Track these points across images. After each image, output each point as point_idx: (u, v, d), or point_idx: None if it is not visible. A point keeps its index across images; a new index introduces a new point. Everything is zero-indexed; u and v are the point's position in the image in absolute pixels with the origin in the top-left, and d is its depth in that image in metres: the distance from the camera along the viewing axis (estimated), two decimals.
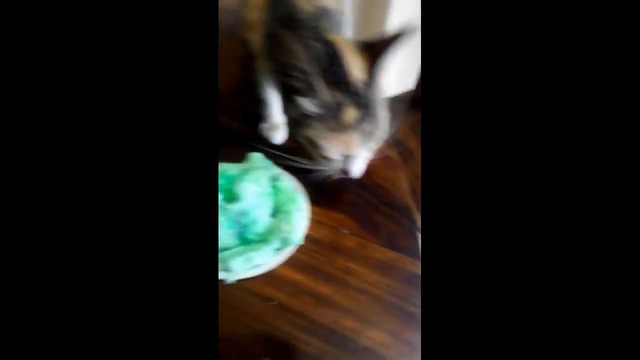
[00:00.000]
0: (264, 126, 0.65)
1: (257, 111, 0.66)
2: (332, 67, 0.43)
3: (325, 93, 0.43)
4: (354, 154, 0.48)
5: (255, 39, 0.54)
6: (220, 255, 0.49)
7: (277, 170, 0.57)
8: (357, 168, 0.50)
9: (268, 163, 0.57)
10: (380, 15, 0.65)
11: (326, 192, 0.58)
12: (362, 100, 0.44)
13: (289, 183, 0.57)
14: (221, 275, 0.48)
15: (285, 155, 0.55)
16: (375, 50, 0.45)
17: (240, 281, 0.48)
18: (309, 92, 0.43)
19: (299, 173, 0.58)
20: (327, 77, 0.43)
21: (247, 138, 0.65)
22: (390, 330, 0.46)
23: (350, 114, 0.44)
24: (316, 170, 0.53)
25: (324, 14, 0.50)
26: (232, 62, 0.79)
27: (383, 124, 0.47)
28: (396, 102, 0.51)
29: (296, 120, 0.47)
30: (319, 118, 0.44)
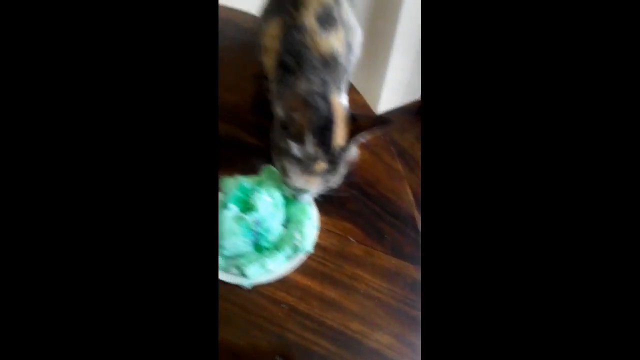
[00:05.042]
0: None
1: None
2: (324, 130, 0.51)
3: (310, 148, 0.51)
4: (311, 191, 0.58)
5: (269, 64, 0.58)
6: (237, 261, 0.54)
7: None
8: (307, 198, 0.60)
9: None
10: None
11: (334, 203, 0.62)
12: (334, 160, 0.54)
13: None
14: (238, 280, 0.52)
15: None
16: (359, 123, 0.54)
17: (254, 286, 0.52)
18: (299, 141, 0.51)
19: None
20: (317, 137, 0.51)
21: (261, 152, 0.70)
22: (394, 332, 0.49)
23: (321, 166, 0.53)
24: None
25: (332, 61, 0.55)
26: (249, 79, 0.84)
27: (341, 176, 0.57)
28: (402, 113, 0.55)
29: (279, 148, 0.55)
30: (295, 159, 0.53)
